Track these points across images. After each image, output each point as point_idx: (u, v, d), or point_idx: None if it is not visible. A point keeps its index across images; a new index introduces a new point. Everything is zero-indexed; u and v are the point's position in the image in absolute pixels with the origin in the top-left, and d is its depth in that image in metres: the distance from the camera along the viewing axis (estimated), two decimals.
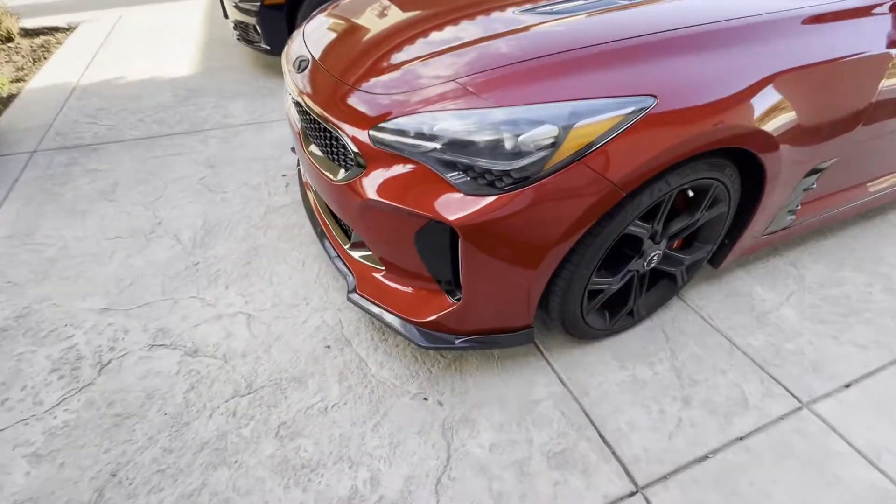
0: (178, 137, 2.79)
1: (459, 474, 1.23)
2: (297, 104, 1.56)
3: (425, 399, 1.41)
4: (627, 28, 1.21)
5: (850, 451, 1.31)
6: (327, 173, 1.37)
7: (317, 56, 1.53)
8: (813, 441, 1.33)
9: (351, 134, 1.25)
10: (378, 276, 1.47)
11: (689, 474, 1.25)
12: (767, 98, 1.21)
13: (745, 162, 1.34)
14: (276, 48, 3.43)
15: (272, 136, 2.84)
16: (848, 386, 1.50)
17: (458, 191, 1.12)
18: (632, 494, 1.20)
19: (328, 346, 1.56)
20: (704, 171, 1.24)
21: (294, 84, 1.54)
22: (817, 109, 1.32)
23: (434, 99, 1.15)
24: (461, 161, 1.10)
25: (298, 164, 2.09)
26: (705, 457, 1.29)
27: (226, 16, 3.94)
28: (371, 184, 1.23)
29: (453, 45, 1.31)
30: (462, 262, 1.19)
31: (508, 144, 1.05)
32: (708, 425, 1.36)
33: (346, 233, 1.65)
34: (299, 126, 1.58)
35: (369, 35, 1.54)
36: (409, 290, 1.41)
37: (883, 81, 1.41)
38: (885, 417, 1.40)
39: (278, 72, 3.82)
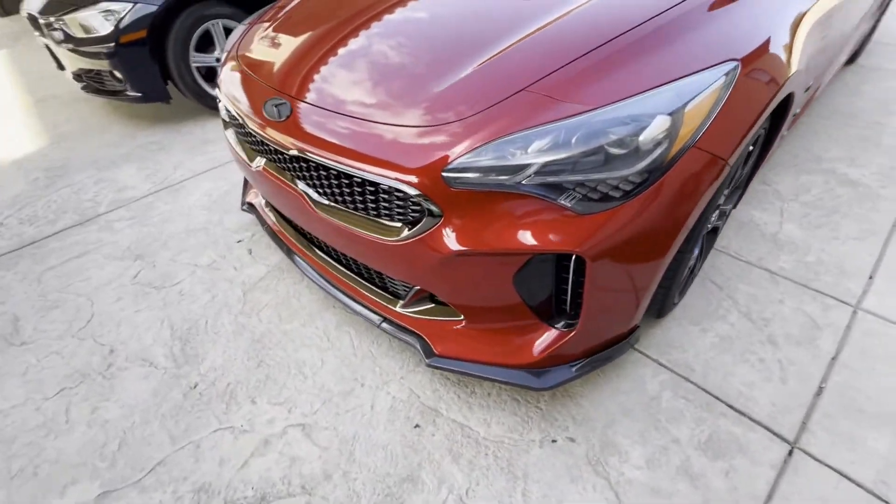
0: (69, 234, 2.17)
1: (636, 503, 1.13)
2: (289, 161, 1.25)
3: (554, 441, 1.27)
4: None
5: None
6: (375, 235, 1.12)
7: (305, 96, 1.23)
8: (883, 335, 1.46)
9: (408, 180, 1.01)
10: (457, 327, 1.27)
11: (820, 411, 1.29)
12: (792, 42, 1.23)
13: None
14: (152, 92, 2.85)
15: (194, 197, 2.35)
16: (871, 277, 1.67)
17: (571, 214, 0.97)
18: (791, 453, 1.21)
19: (417, 426, 1.33)
20: (764, 123, 1.24)
21: (274, 140, 1.23)
22: (814, 47, 1.39)
23: (521, 114, 0.97)
24: (567, 181, 0.95)
25: (259, 214, 1.73)
26: (820, 389, 1.35)
27: (60, 67, 3.16)
28: (454, 233, 1.03)
29: (495, 48, 1.12)
30: (587, 287, 1.05)
31: (622, 148, 0.92)
32: (802, 358, 1.42)
33: (382, 288, 1.40)
34: (296, 188, 1.27)
35: (358, 54, 1.28)
36: (498, 333, 1.24)
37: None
38: None
39: (157, 119, 3.19)
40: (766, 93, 1.09)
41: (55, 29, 2.79)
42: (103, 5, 2.60)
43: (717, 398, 1.34)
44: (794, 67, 1.20)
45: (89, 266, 1.98)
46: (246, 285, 1.83)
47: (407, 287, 1.32)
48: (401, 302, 1.37)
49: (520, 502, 1.16)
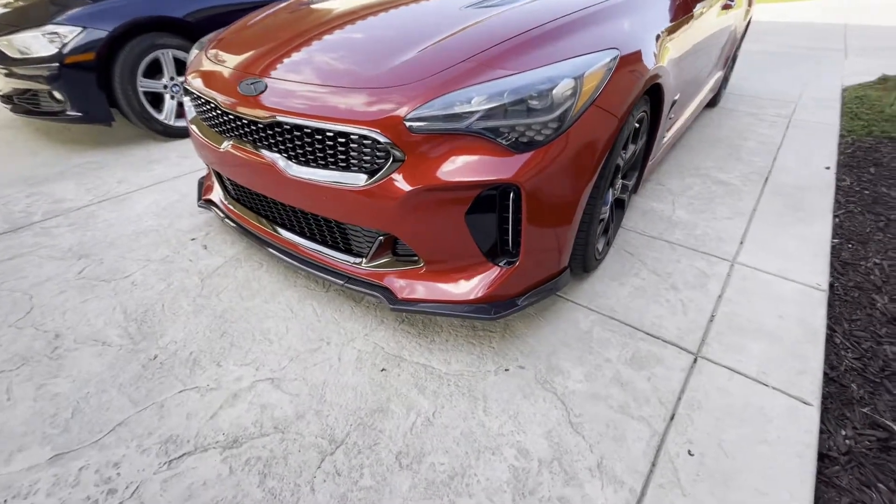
0: (0, 240, 2.07)
1: (580, 409, 1.32)
2: (262, 131, 1.42)
3: (507, 370, 1.44)
4: (573, 4, 1.52)
5: (771, 276, 1.86)
6: (343, 184, 1.30)
7: (277, 74, 1.42)
8: (753, 279, 1.84)
9: (377, 129, 1.22)
10: (418, 273, 1.44)
11: (713, 331, 1.59)
12: (662, 45, 1.66)
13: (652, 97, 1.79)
14: (94, 113, 2.86)
15: (141, 207, 2.36)
16: (742, 242, 2.10)
17: (507, 153, 1.22)
18: (695, 361, 1.47)
19: (384, 370, 1.44)
20: (643, 105, 1.62)
21: (249, 114, 1.40)
22: (681, 54, 1.86)
23: (463, 76, 1.23)
24: (503, 124, 1.21)
25: (224, 212, 1.82)
26: (712, 317, 1.66)
27: None
28: (414, 173, 1.24)
29: (436, 38, 1.41)
30: (524, 221, 1.28)
31: (543, 100, 1.21)
32: (698, 297, 1.75)
33: (346, 251, 1.55)
34: (265, 157, 1.43)
35: (321, 44, 1.52)
36: (451, 275, 1.43)
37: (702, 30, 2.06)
38: (769, 251, 2.01)
39: (94, 143, 3.16)
40: (640, 74, 1.47)
41: None
42: (49, 28, 2.65)
43: (636, 328, 1.60)
44: (658, 63, 1.60)
45: (25, 266, 1.90)
46: (203, 274, 1.86)
47: (371, 241, 1.48)
48: (363, 260, 1.52)
49: (482, 416, 1.30)
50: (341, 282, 1.54)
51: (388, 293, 1.46)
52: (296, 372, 1.43)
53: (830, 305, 1.77)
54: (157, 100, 3.12)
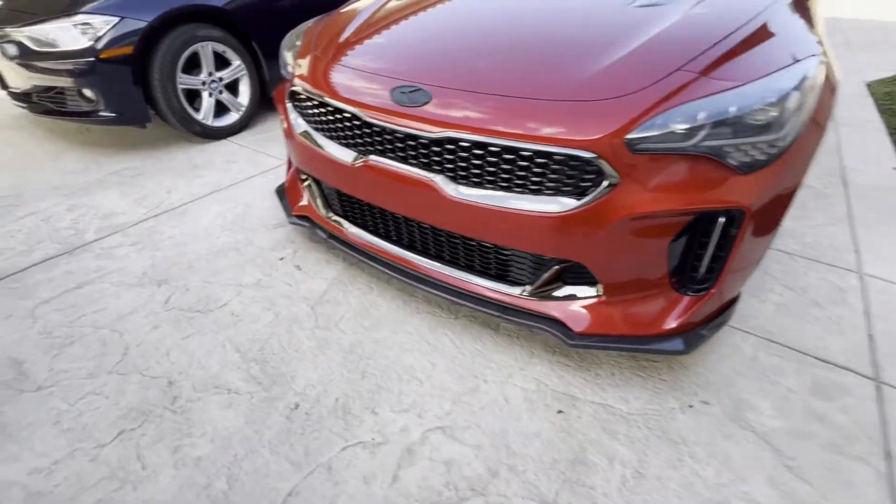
0: (55, 264, 1.82)
1: (791, 450, 1.21)
2: (421, 148, 1.24)
3: (691, 406, 1.32)
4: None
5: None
6: (534, 210, 1.14)
7: (446, 81, 1.24)
8: (889, 291, 1.78)
9: (587, 148, 1.07)
10: (590, 304, 1.30)
11: (880, 352, 1.51)
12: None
13: None
14: (129, 113, 2.58)
15: (206, 220, 2.12)
16: (856, 251, 2.03)
17: (732, 175, 1.09)
18: (878, 388, 1.39)
19: (560, 412, 1.30)
20: None
21: (408, 126, 1.22)
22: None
23: (683, 89, 1.09)
24: (729, 143, 1.07)
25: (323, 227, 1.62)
26: (870, 336, 1.58)
27: (3, 86, 2.74)
28: (629, 197, 1.09)
29: (628, 38, 1.25)
30: (735, 248, 1.16)
31: (771, 116, 1.08)
32: (845, 313, 1.67)
33: (500, 277, 1.39)
34: (421, 177, 1.26)
35: (490, 43, 1.35)
36: (634, 305, 1.30)
37: None
38: (889, 260, 1.96)
39: (122, 146, 2.86)
40: (833, 78, 1.35)
41: (7, 42, 2.43)
42: (80, 18, 2.34)
43: (802, 353, 1.51)
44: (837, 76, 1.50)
45: (99, 296, 1.66)
46: (310, 300, 1.67)
47: (538, 269, 1.32)
48: (525, 289, 1.37)
49: (691, 464, 1.18)
50: (496, 313, 1.38)
51: (560, 327, 1.32)
52: (465, 418, 1.27)
53: None
54: (191, 97, 2.83)
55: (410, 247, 1.54)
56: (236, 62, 2.90)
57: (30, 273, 1.76)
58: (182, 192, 2.36)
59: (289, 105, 1.61)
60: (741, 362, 1.46)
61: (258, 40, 2.95)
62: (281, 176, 2.51)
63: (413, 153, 1.28)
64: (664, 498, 1.10)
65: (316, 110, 1.49)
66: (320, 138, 1.50)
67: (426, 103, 1.22)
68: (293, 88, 1.56)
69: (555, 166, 1.12)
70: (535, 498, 1.09)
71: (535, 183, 1.15)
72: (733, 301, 1.40)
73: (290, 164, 1.97)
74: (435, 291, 1.46)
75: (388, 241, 1.58)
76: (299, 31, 1.81)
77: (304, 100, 1.53)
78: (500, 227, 1.21)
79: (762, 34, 1.26)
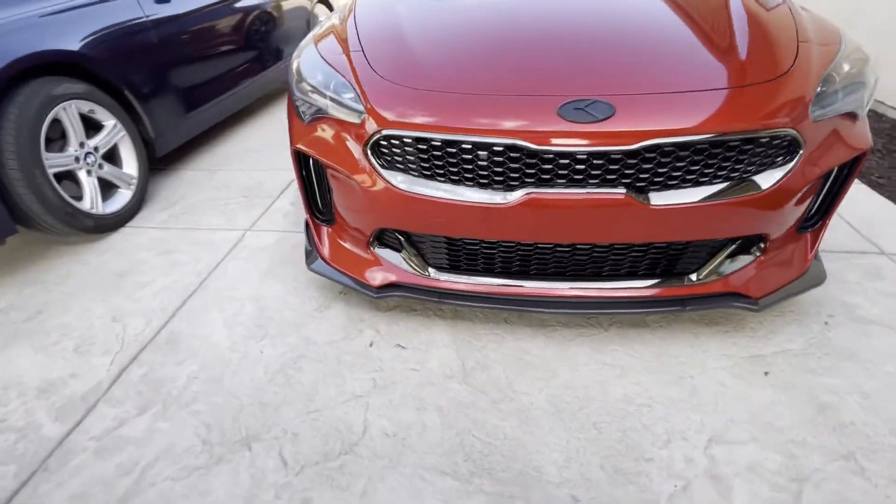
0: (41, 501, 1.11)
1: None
2: (613, 163, 1.14)
3: (826, 323, 1.54)
4: None
5: None
6: (740, 196, 1.16)
7: (617, 88, 1.16)
8: None
9: (787, 128, 1.13)
10: (758, 265, 1.40)
11: None
12: None
13: None
14: None
15: (219, 336, 1.59)
16: None
17: (860, 121, 1.28)
18: None
19: (767, 373, 1.37)
20: None
21: (600, 142, 1.11)
22: None
23: (809, 56, 1.23)
24: (855, 98, 1.26)
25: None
26: None
27: None
28: (811, 162, 1.20)
29: (706, 22, 1.34)
30: (852, 180, 1.37)
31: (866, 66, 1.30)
32: None
33: (665, 274, 1.39)
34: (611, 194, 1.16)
35: (608, 42, 1.32)
36: (781, 254, 1.43)
37: None
38: None
39: None
40: None
41: None
42: None
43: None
44: None
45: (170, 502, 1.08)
46: (454, 376, 1.38)
47: (711, 251, 1.34)
48: (691, 276, 1.38)
49: (876, 366, 1.38)
50: (676, 308, 1.37)
51: (740, 297, 1.38)
52: (715, 419, 1.24)
53: None
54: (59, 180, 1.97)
55: (555, 274, 1.40)
56: (110, 122, 2.13)
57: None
58: (137, 314, 1.66)
59: (372, 159, 1.26)
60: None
61: (131, 88, 2.21)
62: (255, 248, 1.97)
63: (597, 172, 1.15)
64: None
65: (437, 152, 1.20)
66: (446, 185, 1.22)
67: (611, 116, 1.10)
68: (378, 137, 1.23)
69: (758, 149, 1.15)
70: (885, 457, 1.14)
71: (735, 170, 1.17)
72: None
73: (316, 229, 1.57)
74: (580, 311, 1.38)
75: (523, 277, 1.40)
76: (327, 73, 1.39)
77: (409, 145, 1.22)
78: (702, 222, 1.19)
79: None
